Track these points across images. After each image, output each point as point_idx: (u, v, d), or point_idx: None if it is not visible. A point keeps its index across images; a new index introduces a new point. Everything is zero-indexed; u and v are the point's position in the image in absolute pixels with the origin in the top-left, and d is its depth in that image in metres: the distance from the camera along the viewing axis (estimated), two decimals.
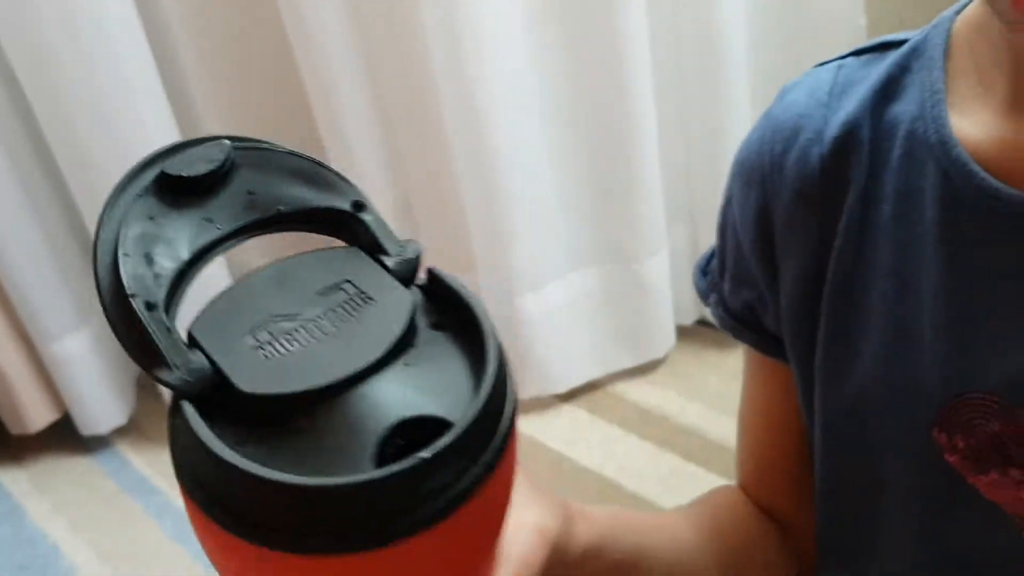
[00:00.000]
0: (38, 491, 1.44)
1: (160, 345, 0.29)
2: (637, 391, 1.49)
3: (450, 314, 0.32)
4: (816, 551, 0.63)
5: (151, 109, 1.30)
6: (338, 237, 0.34)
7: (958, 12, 0.51)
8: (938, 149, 0.48)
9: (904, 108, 0.51)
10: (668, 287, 1.49)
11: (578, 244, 1.46)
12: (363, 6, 1.26)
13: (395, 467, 0.27)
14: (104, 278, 0.30)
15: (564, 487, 1.32)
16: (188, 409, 0.28)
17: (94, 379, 1.45)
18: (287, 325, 0.30)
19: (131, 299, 0.29)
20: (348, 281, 0.32)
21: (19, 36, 1.23)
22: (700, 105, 1.45)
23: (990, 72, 0.48)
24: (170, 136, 1.33)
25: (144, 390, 1.58)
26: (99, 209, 1.20)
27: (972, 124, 0.48)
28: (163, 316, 0.30)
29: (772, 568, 0.65)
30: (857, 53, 0.55)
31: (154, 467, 1.45)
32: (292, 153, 0.34)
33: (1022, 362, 0.47)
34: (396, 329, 0.31)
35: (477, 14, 1.21)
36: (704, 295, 0.65)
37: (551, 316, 1.45)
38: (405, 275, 0.33)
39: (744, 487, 0.66)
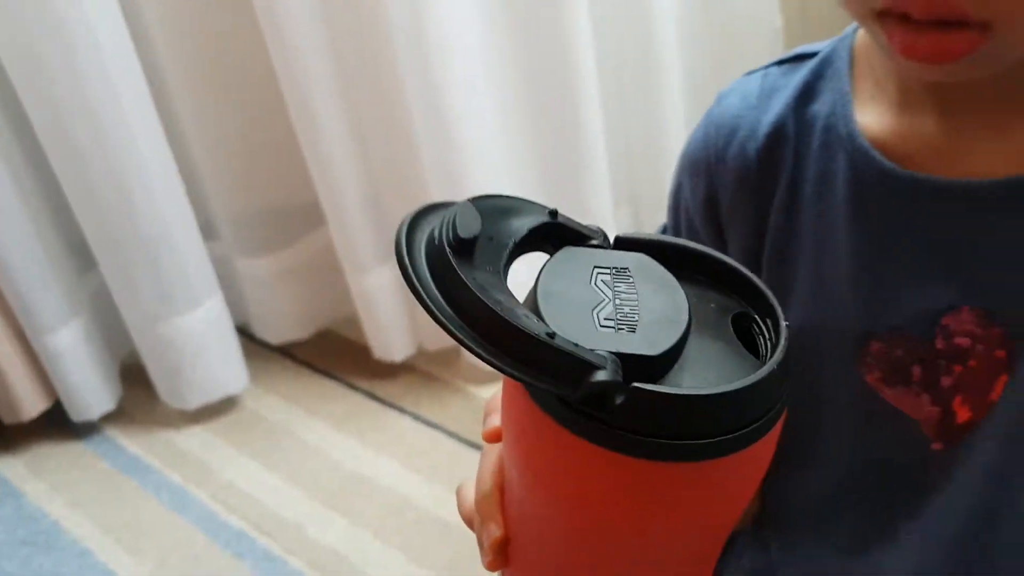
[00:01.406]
0: (34, 475, 1.47)
1: (586, 357, 0.31)
2: None
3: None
4: None
5: (137, 110, 1.34)
6: (541, 248, 0.38)
7: (855, 30, 0.60)
8: (847, 140, 0.57)
9: (820, 108, 0.59)
10: None
11: None
12: (335, 12, 1.32)
13: (779, 355, 0.33)
14: (480, 327, 0.32)
15: None
16: (645, 387, 0.31)
17: (84, 368, 1.48)
18: (608, 309, 0.34)
19: (537, 337, 0.31)
20: (596, 267, 0.36)
21: (14, 46, 1.28)
22: (639, 102, 1.56)
23: (883, 78, 0.57)
24: (155, 134, 1.38)
25: (128, 378, 1.61)
26: (90, 206, 1.32)
27: (872, 119, 0.57)
28: (560, 336, 0.32)
29: None
30: (779, 63, 0.64)
31: (145, 448, 1.49)
32: (491, 196, 0.38)
33: (916, 303, 0.57)
34: (670, 276, 0.36)
35: (439, 24, 1.29)
36: None
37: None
38: (610, 245, 0.38)
39: None
